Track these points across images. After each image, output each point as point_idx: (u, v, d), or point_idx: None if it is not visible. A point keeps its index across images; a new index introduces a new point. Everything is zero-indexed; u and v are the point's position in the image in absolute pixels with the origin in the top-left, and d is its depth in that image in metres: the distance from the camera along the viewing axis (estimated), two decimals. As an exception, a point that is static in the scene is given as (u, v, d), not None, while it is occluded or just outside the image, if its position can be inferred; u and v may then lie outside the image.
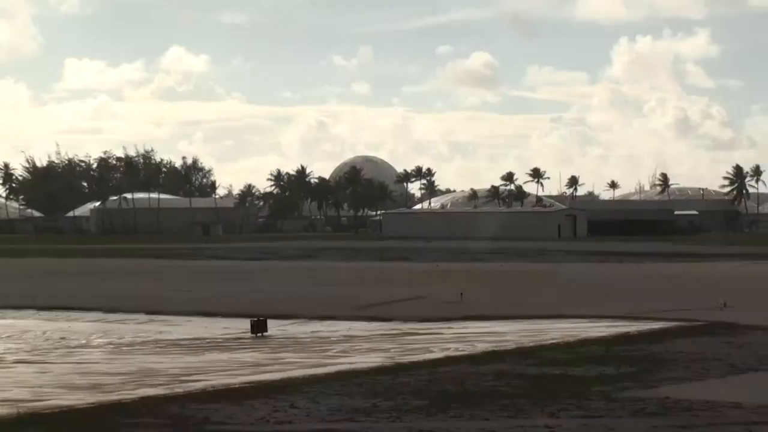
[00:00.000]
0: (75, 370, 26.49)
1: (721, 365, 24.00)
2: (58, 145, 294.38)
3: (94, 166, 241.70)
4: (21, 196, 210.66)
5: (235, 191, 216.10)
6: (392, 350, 29.19)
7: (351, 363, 26.35)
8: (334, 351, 29.61)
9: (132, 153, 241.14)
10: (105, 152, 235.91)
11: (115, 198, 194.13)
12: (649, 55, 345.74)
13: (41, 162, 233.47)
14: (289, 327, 36.19)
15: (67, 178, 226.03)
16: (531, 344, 29.06)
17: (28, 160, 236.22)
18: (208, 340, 32.76)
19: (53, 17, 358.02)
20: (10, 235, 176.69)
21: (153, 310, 40.80)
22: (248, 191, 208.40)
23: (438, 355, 27.29)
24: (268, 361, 27.62)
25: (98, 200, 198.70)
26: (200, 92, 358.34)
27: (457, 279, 54.36)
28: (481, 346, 28.91)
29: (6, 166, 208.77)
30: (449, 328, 34.94)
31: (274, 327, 35.23)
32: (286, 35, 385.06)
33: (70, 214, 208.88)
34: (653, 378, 22.19)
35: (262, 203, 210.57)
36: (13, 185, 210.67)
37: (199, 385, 22.71)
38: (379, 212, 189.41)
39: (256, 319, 34.24)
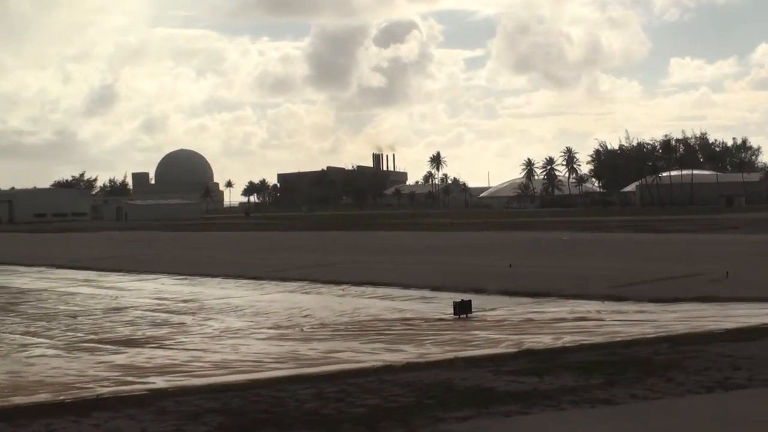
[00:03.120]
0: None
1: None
2: (627, 131, 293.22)
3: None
4: (574, 175, 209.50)
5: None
6: (497, 342, 21.40)
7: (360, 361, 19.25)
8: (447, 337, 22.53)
9: (689, 135, 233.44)
10: (666, 135, 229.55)
11: (652, 176, 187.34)
12: None
13: (611, 146, 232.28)
14: (516, 307, 28.82)
15: (623, 158, 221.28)
16: (621, 339, 19.33)
17: (600, 145, 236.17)
18: (401, 321, 26.05)
19: (658, 25, 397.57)
20: (562, 208, 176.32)
21: (436, 285, 34.53)
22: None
23: (470, 353, 18.65)
24: (319, 355, 21.14)
25: (643, 177, 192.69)
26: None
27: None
28: (598, 338, 19.96)
29: (568, 149, 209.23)
30: (643, 312, 25.36)
31: (509, 305, 29.27)
32: None
33: (628, 189, 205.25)
34: (576, 398, 13.14)
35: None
36: (575, 166, 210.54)
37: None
38: None
39: (460, 300, 28.18)
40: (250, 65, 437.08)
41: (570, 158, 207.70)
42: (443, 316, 27.18)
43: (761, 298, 26.74)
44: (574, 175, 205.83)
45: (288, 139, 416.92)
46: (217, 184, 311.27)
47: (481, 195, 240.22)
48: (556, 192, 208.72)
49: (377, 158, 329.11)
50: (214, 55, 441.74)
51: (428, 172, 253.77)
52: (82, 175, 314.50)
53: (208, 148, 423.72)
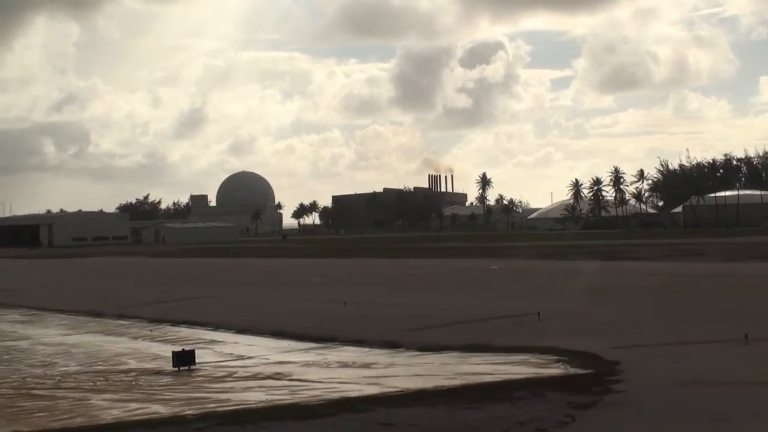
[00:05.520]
0: None
1: None
2: (687, 150, 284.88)
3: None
4: (620, 195, 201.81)
5: None
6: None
7: None
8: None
9: (751, 154, 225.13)
10: (725, 155, 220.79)
11: (696, 197, 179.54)
12: None
13: (673, 166, 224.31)
14: (268, 355, 25.11)
15: (682, 178, 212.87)
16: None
17: (662, 164, 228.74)
18: (115, 374, 22.20)
19: (746, 43, 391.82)
20: (606, 230, 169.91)
21: (246, 327, 30.91)
22: None
23: None
24: None
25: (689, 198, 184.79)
26: None
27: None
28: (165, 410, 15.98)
29: (616, 170, 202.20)
30: (367, 366, 21.31)
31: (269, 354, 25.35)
32: None
33: (677, 209, 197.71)
34: None
35: None
36: (622, 186, 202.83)
37: None
38: None
39: (180, 350, 23.86)
40: (336, 87, 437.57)
41: (617, 179, 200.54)
42: (163, 368, 23.31)
43: (526, 348, 22.44)
44: (619, 196, 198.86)
45: (376, 160, 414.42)
46: (275, 206, 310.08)
47: (530, 216, 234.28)
48: (604, 213, 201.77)
49: (434, 180, 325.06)
50: (301, 77, 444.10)
51: (479, 193, 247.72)
52: (146, 197, 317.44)
53: (297, 170, 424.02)
